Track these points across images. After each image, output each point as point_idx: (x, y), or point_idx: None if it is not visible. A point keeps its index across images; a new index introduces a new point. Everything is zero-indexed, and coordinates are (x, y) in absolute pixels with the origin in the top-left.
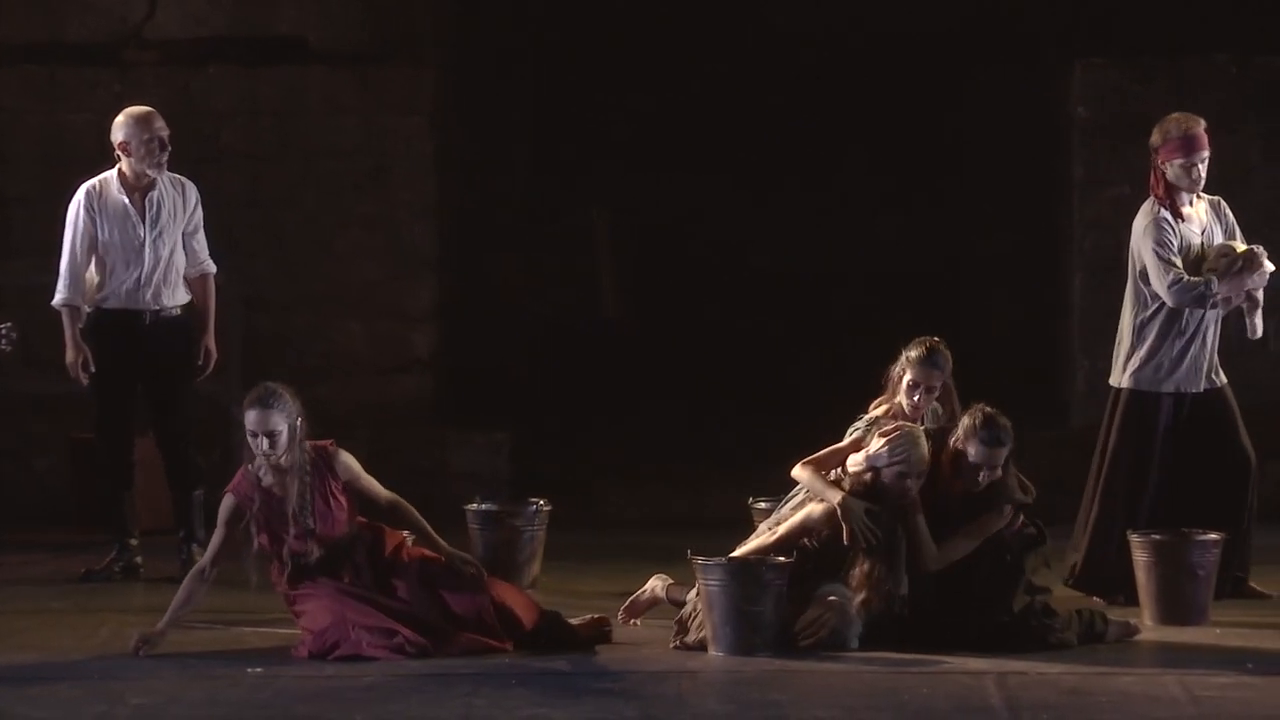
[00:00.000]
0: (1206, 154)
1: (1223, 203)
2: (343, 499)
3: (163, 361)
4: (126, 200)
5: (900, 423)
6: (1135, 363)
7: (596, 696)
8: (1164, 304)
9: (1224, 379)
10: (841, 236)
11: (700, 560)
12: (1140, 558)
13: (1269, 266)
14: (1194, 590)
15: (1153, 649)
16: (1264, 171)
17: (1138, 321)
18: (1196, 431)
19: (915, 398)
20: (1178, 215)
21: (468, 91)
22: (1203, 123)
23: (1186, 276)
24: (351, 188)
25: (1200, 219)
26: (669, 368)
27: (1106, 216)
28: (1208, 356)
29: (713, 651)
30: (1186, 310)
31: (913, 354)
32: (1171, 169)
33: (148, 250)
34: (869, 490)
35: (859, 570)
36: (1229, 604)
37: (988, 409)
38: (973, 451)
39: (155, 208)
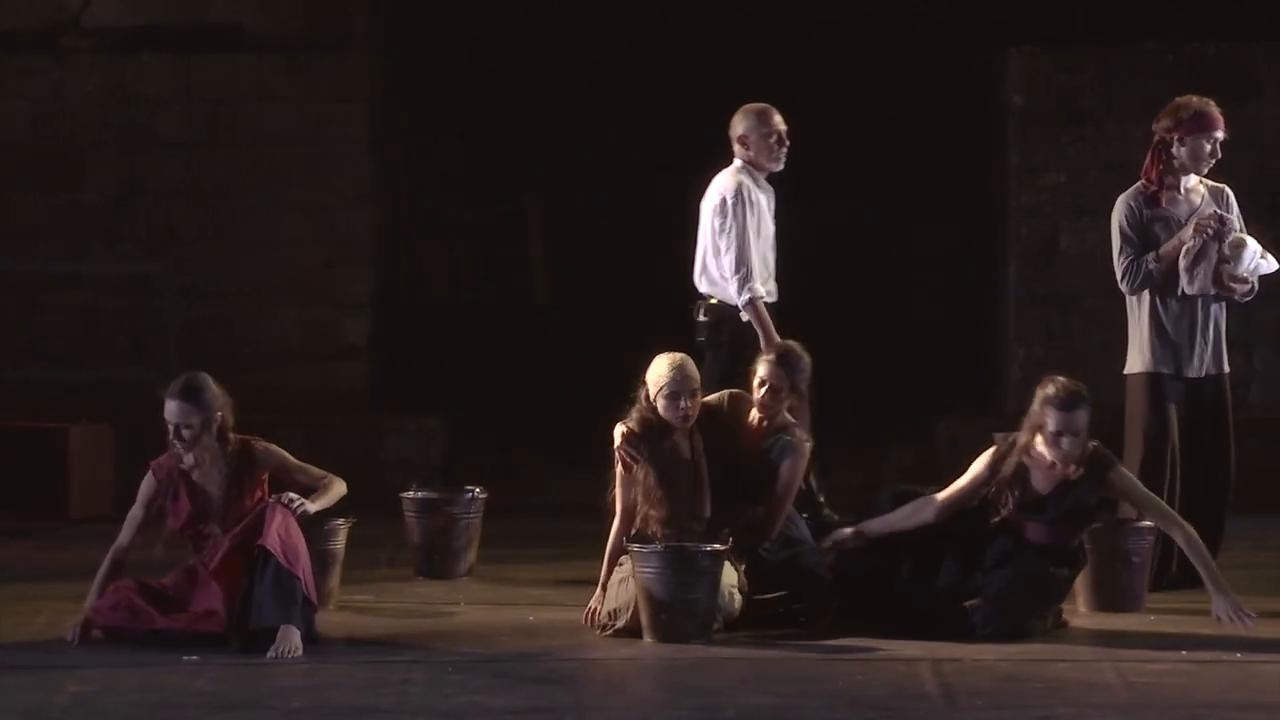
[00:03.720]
0: (1222, 134)
1: (1227, 191)
2: (261, 492)
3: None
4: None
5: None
6: (1140, 347)
7: (532, 684)
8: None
9: (1226, 367)
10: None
11: (636, 548)
12: None
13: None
14: (1129, 577)
15: (1088, 635)
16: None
17: (1131, 305)
18: (1193, 417)
19: (763, 396)
20: (1157, 201)
21: (402, 79)
22: (1213, 103)
23: (1134, 263)
24: (286, 175)
25: (1191, 203)
26: (602, 354)
27: (1042, 204)
28: (1210, 343)
29: (647, 639)
30: (1178, 295)
31: (768, 357)
32: (1188, 146)
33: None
34: (653, 418)
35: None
36: (1164, 591)
37: (1059, 378)
38: (1052, 421)
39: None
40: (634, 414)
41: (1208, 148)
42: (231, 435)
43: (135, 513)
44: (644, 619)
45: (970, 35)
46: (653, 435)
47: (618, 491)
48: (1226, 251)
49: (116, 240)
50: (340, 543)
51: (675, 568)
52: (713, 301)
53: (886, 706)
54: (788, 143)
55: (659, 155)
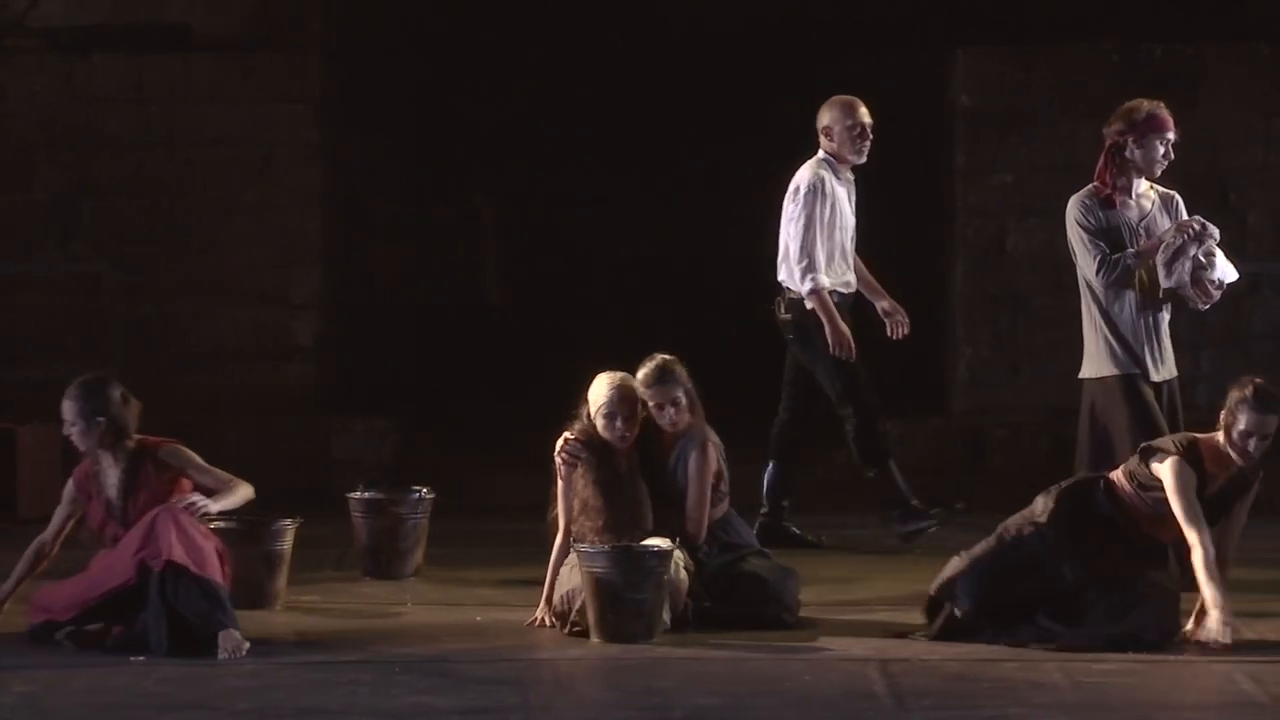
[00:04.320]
0: (1174, 135)
1: (1177, 198)
2: (165, 493)
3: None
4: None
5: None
6: (1104, 351)
7: (479, 684)
8: (1110, 291)
9: (1174, 371)
10: (723, 222)
11: (583, 547)
12: None
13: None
14: None
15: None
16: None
17: (1097, 307)
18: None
19: (665, 416)
20: (1110, 203)
21: (353, 79)
22: (1164, 105)
23: (1109, 258)
24: (236, 175)
25: (1142, 208)
26: (552, 354)
27: (989, 203)
28: (1165, 348)
29: (595, 639)
30: (1131, 300)
31: (641, 374)
32: (1141, 149)
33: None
34: (593, 434)
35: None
36: None
37: (1257, 380)
38: (1244, 420)
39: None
40: (575, 427)
41: (1161, 149)
42: (132, 438)
43: (59, 510)
44: (591, 619)
45: (918, 35)
46: (593, 449)
47: (559, 502)
48: (1202, 258)
49: (66, 240)
50: (287, 543)
51: (622, 567)
52: (790, 291)
53: (835, 707)
54: (871, 136)
55: (610, 155)
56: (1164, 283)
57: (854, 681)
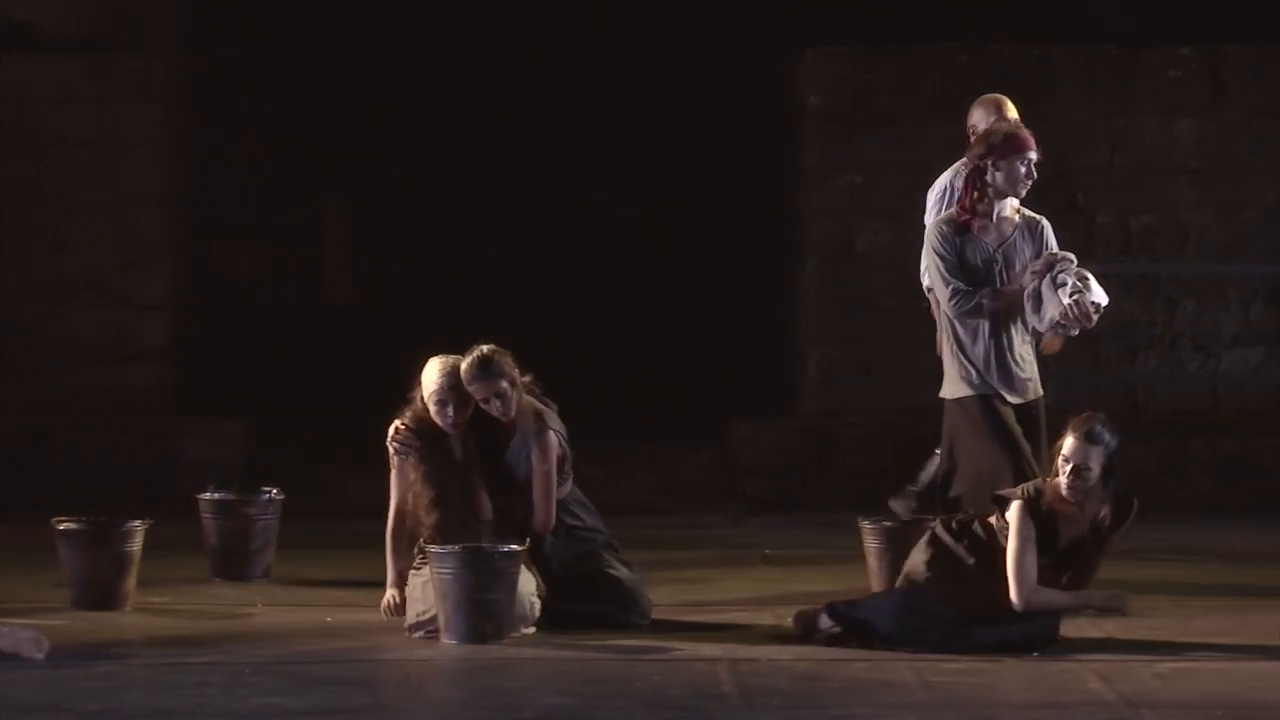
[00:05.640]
0: (1035, 155)
1: (1043, 224)
2: None
3: None
4: None
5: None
6: (964, 371)
7: (329, 685)
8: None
9: (1038, 391)
10: (575, 222)
11: (433, 549)
12: (871, 544)
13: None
14: None
15: None
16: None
17: (952, 331)
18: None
19: (492, 409)
20: (968, 228)
21: (202, 80)
22: (1023, 126)
23: (964, 289)
24: (84, 176)
25: (1003, 233)
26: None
27: (838, 204)
28: (1017, 367)
29: (445, 640)
30: (985, 324)
31: (463, 370)
32: (1003, 171)
33: None
34: (426, 419)
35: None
36: None
37: (1097, 415)
38: (1066, 447)
39: None
40: (408, 413)
41: (1022, 170)
42: None
43: None
44: (441, 620)
45: (767, 36)
46: (425, 436)
47: (392, 486)
48: (1079, 282)
49: None
50: (137, 545)
51: (472, 568)
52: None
53: (684, 707)
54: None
55: (459, 154)
56: (1040, 328)
57: (703, 681)
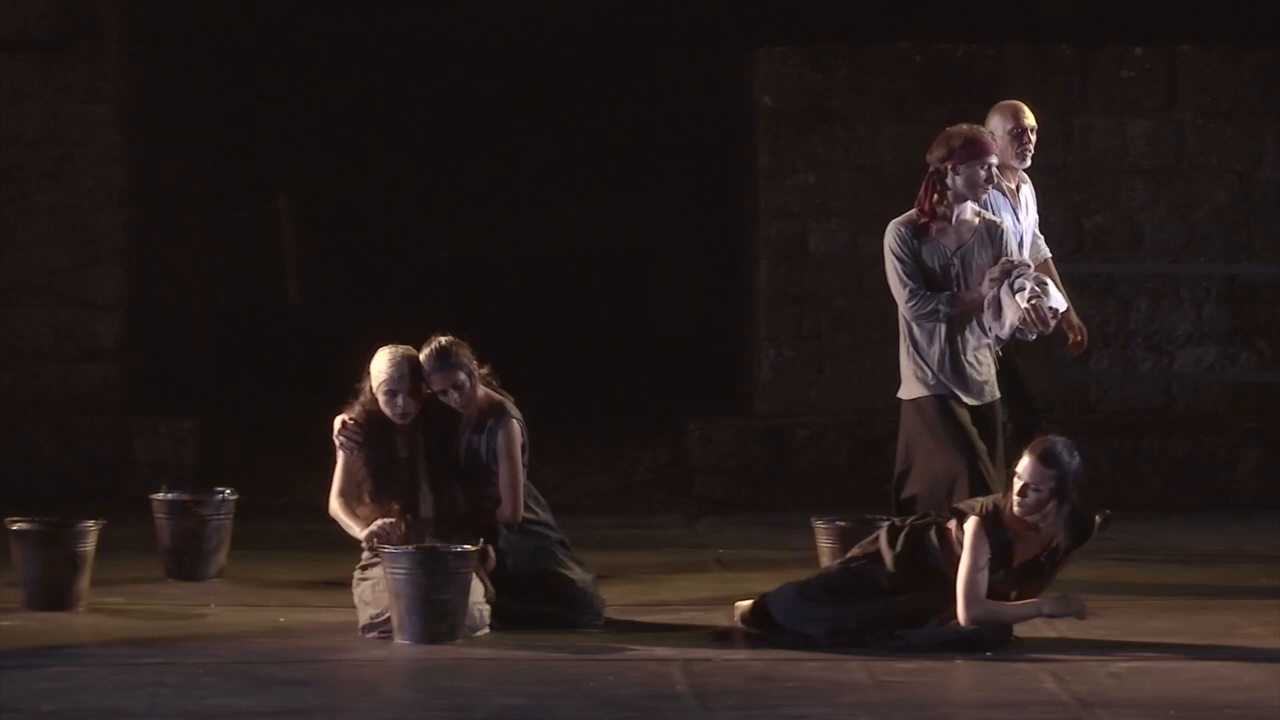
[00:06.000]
0: (995, 159)
1: (1004, 228)
2: None
3: None
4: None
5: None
6: (915, 373)
7: (283, 685)
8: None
9: (996, 394)
10: (528, 222)
11: (387, 549)
12: (824, 544)
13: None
14: None
15: None
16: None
17: (908, 332)
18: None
19: (450, 400)
20: (926, 231)
21: (153, 80)
22: (987, 131)
23: (921, 292)
24: (36, 176)
25: (961, 237)
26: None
27: (791, 204)
28: (974, 369)
29: (398, 640)
30: (941, 326)
31: (421, 359)
32: (962, 175)
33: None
34: (374, 411)
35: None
36: None
37: (1056, 437)
38: (1021, 466)
39: (1024, 201)
40: (356, 405)
41: (983, 174)
42: None
43: None
44: (395, 620)
45: (720, 35)
46: (371, 428)
47: (336, 475)
48: (1037, 287)
49: None
50: (90, 545)
51: (425, 568)
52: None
53: (638, 707)
54: (1032, 138)
55: (410, 154)
56: (999, 334)
57: (657, 681)
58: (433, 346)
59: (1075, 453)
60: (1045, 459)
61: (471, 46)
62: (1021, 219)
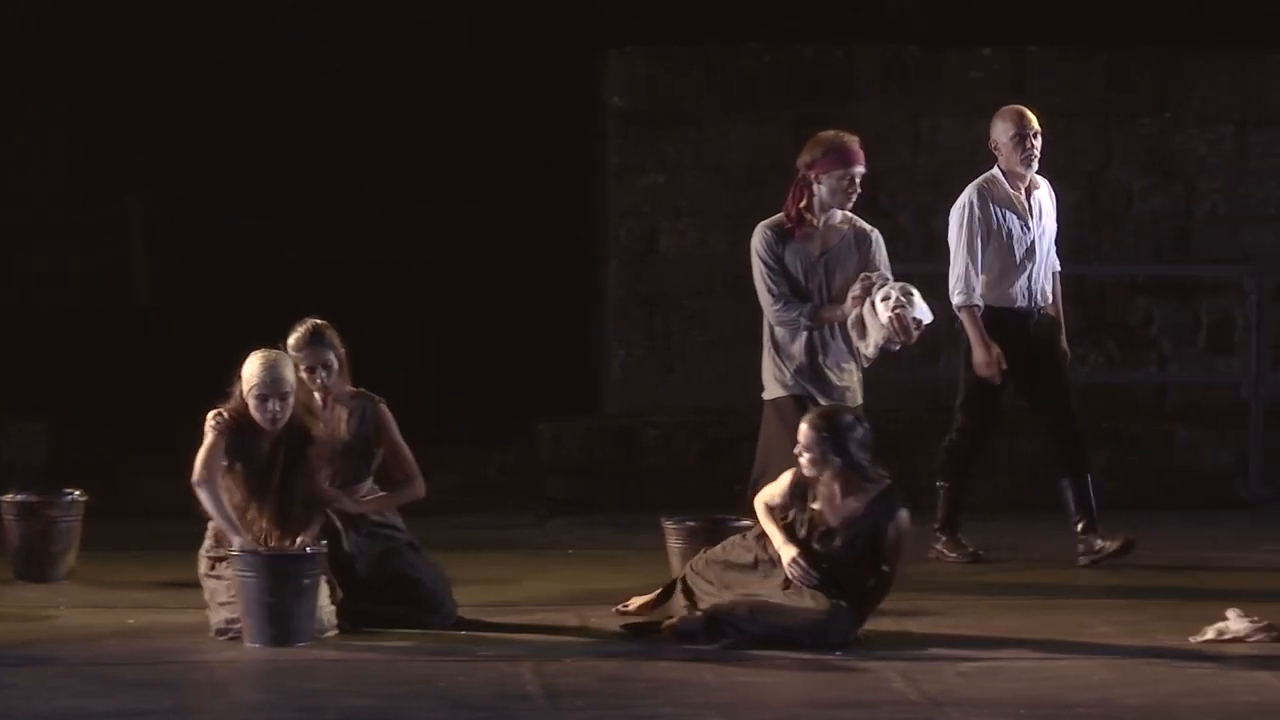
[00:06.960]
0: (862, 169)
1: (874, 236)
2: None
3: (1044, 357)
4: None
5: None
6: (775, 374)
7: (134, 687)
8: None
9: (858, 399)
10: (379, 223)
11: (233, 553)
12: (674, 544)
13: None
14: None
15: None
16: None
17: (770, 333)
18: None
19: (316, 380)
20: (791, 235)
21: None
22: (857, 139)
23: (785, 297)
24: None
25: (827, 242)
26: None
27: (641, 204)
28: (834, 371)
29: (248, 642)
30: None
31: (292, 339)
32: (825, 184)
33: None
34: (245, 414)
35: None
36: None
37: (836, 406)
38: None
39: (1038, 206)
40: (227, 407)
41: (844, 183)
42: None
43: None
44: (244, 622)
45: (570, 36)
46: (241, 430)
47: (199, 460)
48: (902, 296)
49: None
50: None
51: (273, 571)
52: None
53: (489, 707)
54: (1036, 143)
55: (265, 154)
56: (866, 353)
57: (508, 681)
58: (305, 326)
59: (857, 422)
60: (813, 423)
61: (326, 45)
62: (1031, 225)
